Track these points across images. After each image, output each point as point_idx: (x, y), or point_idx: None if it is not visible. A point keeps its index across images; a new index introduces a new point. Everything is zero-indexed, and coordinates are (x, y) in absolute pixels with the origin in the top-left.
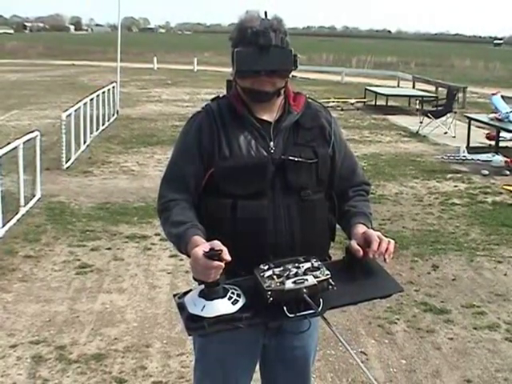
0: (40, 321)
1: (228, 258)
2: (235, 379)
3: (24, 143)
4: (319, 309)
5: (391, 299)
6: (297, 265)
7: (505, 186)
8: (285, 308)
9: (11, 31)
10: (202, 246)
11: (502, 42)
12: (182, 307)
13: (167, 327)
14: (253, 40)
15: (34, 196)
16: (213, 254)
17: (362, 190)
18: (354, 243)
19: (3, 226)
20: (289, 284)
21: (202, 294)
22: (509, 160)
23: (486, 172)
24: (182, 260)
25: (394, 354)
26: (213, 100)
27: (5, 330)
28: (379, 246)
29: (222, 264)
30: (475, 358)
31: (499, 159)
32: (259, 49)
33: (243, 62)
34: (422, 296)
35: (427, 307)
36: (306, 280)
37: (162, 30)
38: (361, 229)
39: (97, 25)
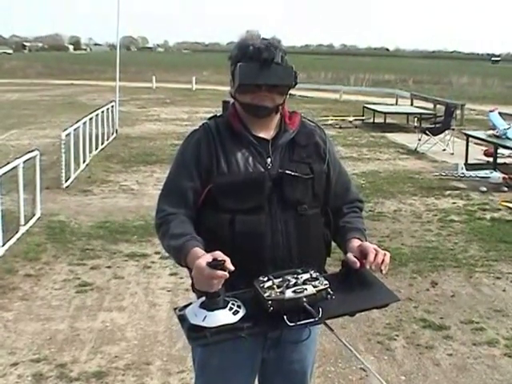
0: (40, 339)
1: (231, 267)
2: None
3: (24, 162)
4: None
5: (390, 315)
6: (296, 276)
7: (503, 203)
8: (285, 317)
9: (10, 51)
10: (204, 257)
11: (499, 58)
12: (183, 319)
13: (167, 345)
14: (254, 55)
15: (33, 215)
16: (216, 264)
17: (355, 207)
18: (350, 255)
19: (3, 244)
20: (289, 293)
21: (203, 306)
22: (507, 176)
23: (485, 188)
24: (182, 278)
25: (394, 370)
26: (210, 118)
27: (5, 348)
28: (375, 257)
29: (226, 273)
30: (474, 373)
31: (497, 176)
32: (261, 64)
33: (245, 75)
34: (421, 312)
35: (426, 323)
36: (306, 289)
37: (161, 49)
38: (356, 242)
39: (95, 44)
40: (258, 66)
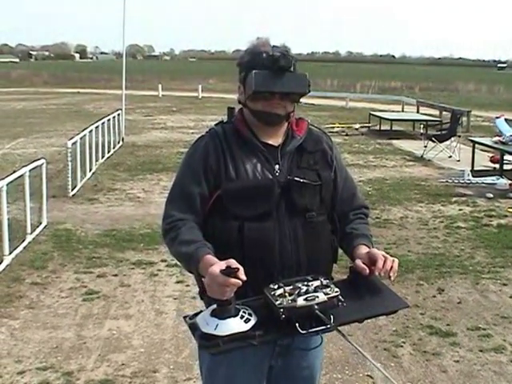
0: (47, 347)
1: (244, 277)
2: None
3: (30, 171)
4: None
5: (397, 322)
6: (306, 283)
7: (509, 209)
8: (297, 325)
9: (17, 60)
10: (218, 265)
11: (505, 65)
12: (194, 327)
13: (174, 352)
14: (269, 63)
15: (40, 223)
16: (230, 272)
17: (362, 213)
18: (359, 262)
19: (10, 253)
20: (300, 301)
21: (214, 314)
22: None
23: (491, 195)
24: (188, 286)
25: (400, 377)
26: (217, 124)
27: (12, 356)
28: (384, 263)
29: (239, 281)
30: (481, 380)
31: (503, 182)
32: (276, 71)
33: (261, 83)
34: (428, 319)
35: (433, 330)
36: (317, 297)
37: (167, 57)
38: (364, 249)
39: (102, 53)
40: (273, 73)
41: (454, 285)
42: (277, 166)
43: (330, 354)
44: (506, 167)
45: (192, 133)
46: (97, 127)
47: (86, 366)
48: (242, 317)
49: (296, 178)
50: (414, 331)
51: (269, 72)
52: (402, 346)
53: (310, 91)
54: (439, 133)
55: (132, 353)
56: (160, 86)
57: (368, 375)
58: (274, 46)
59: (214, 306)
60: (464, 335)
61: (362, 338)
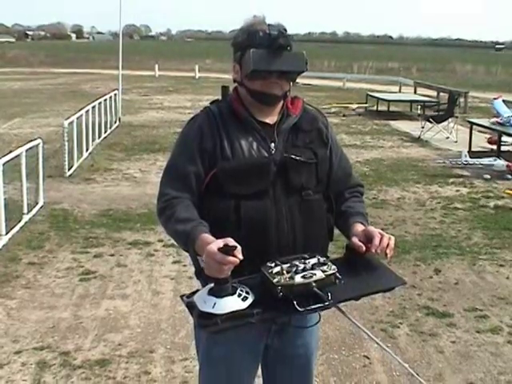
0: (44, 327)
1: (241, 257)
2: (239, 381)
3: (26, 151)
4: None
5: (394, 303)
6: (303, 261)
7: (507, 190)
8: (295, 302)
9: (13, 40)
10: (215, 243)
11: (503, 46)
12: (191, 306)
13: (171, 333)
14: (266, 42)
15: (36, 203)
16: (228, 250)
17: (357, 192)
18: (355, 239)
19: (7, 233)
20: (298, 278)
21: (212, 292)
22: (511, 164)
23: (488, 176)
24: (185, 266)
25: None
26: (212, 103)
27: (9, 336)
28: (381, 241)
29: (237, 259)
30: (478, 361)
31: (501, 163)
32: (275, 50)
33: (259, 61)
34: (425, 300)
35: (430, 311)
36: (315, 274)
37: (164, 38)
38: (360, 227)
39: (98, 33)
40: (271, 52)
41: (450, 266)
42: (272, 145)
43: (327, 335)
44: (503, 148)
45: (189, 113)
46: (93, 107)
47: (83, 345)
48: (239, 295)
49: (292, 156)
50: (411, 312)
51: (267, 51)
52: (398, 327)
53: (307, 69)
54: (436, 114)
55: (129, 333)
56: (157, 66)
57: (365, 355)
58: (269, 25)
59: (211, 284)
60: (461, 316)
61: (358, 318)
